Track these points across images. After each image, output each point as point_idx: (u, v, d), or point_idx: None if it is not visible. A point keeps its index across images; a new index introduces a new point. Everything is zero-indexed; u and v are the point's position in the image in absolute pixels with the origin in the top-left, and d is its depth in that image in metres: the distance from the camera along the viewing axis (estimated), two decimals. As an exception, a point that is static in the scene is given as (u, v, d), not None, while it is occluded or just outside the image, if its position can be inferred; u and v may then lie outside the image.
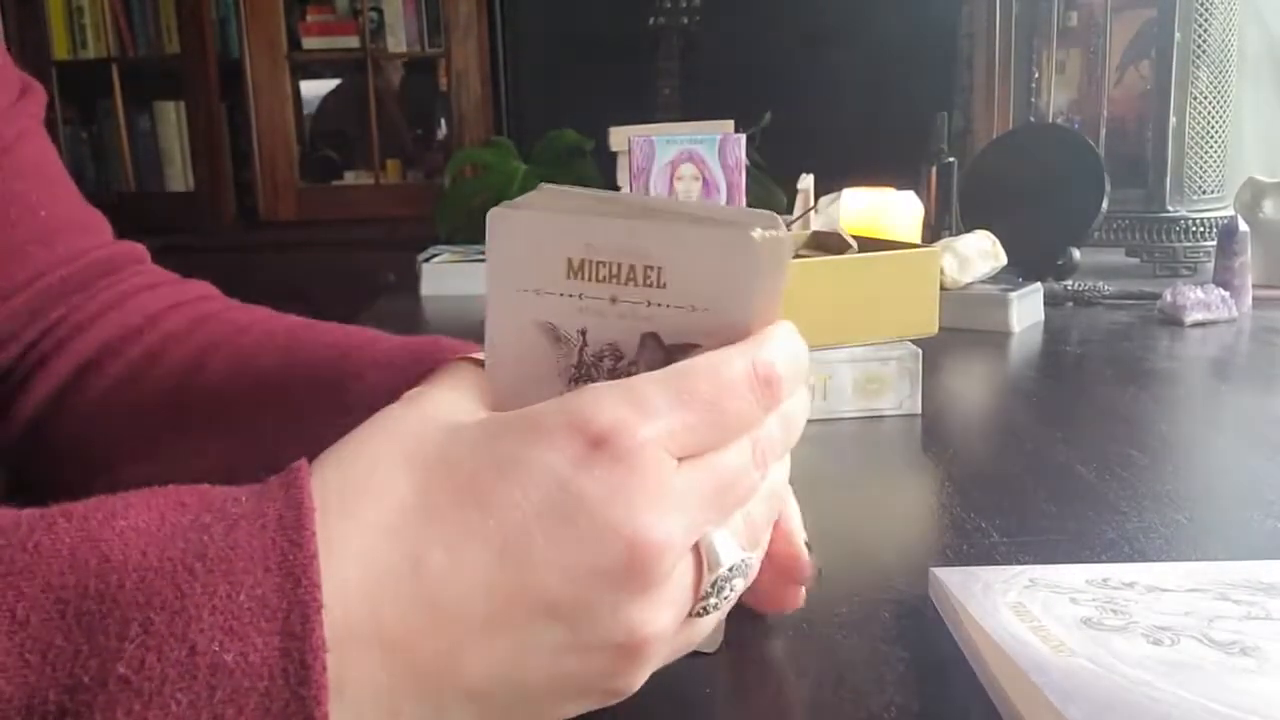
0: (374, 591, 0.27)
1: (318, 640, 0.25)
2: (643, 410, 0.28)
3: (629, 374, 0.30)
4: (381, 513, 0.28)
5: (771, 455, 0.32)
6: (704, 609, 0.31)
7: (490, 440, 0.29)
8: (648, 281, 0.29)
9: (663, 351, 0.29)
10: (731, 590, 0.32)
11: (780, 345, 0.31)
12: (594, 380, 0.31)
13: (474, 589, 0.27)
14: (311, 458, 0.47)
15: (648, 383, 0.29)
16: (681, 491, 0.29)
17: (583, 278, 0.30)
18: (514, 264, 0.32)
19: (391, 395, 0.46)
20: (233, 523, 0.27)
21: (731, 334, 0.30)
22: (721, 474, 0.30)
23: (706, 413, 0.29)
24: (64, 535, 0.26)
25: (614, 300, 0.30)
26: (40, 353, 0.52)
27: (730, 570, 0.31)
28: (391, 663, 0.27)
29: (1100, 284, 1.27)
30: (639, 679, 0.30)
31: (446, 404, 0.32)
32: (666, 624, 0.30)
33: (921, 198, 1.29)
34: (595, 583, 0.28)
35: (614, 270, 0.30)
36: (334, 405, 0.47)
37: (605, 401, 0.28)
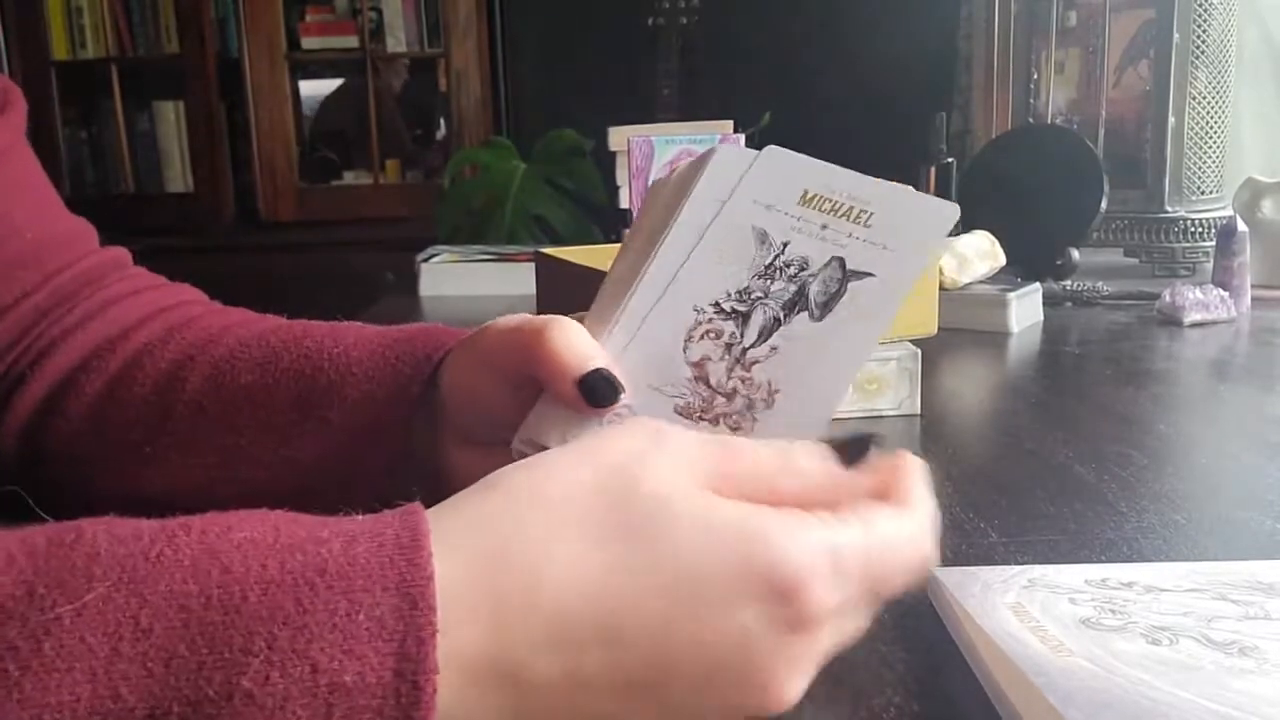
0: (529, 658, 0.28)
1: (431, 664, 0.26)
2: (838, 576, 0.30)
3: (806, 282, 0.37)
4: (568, 582, 0.28)
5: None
6: None
7: (699, 562, 0.29)
8: (857, 220, 0.37)
9: (842, 272, 0.36)
10: None
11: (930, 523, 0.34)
12: (775, 280, 0.38)
13: (613, 698, 0.28)
14: (292, 471, 0.45)
15: (853, 540, 0.31)
16: (821, 654, 0.31)
17: (808, 206, 0.38)
18: (763, 183, 0.40)
19: (374, 406, 0.46)
20: (350, 539, 0.27)
21: (900, 272, 0.36)
22: (844, 640, 0.33)
23: (880, 586, 0.32)
24: (184, 547, 0.26)
25: (824, 227, 0.38)
26: (22, 368, 0.51)
27: None
28: None
29: (1099, 284, 1.27)
30: None
31: (657, 472, 0.31)
32: None
33: (921, 198, 1.29)
34: (721, 715, 0.29)
35: (835, 206, 0.38)
36: (315, 421, 0.47)
37: (808, 558, 0.29)
